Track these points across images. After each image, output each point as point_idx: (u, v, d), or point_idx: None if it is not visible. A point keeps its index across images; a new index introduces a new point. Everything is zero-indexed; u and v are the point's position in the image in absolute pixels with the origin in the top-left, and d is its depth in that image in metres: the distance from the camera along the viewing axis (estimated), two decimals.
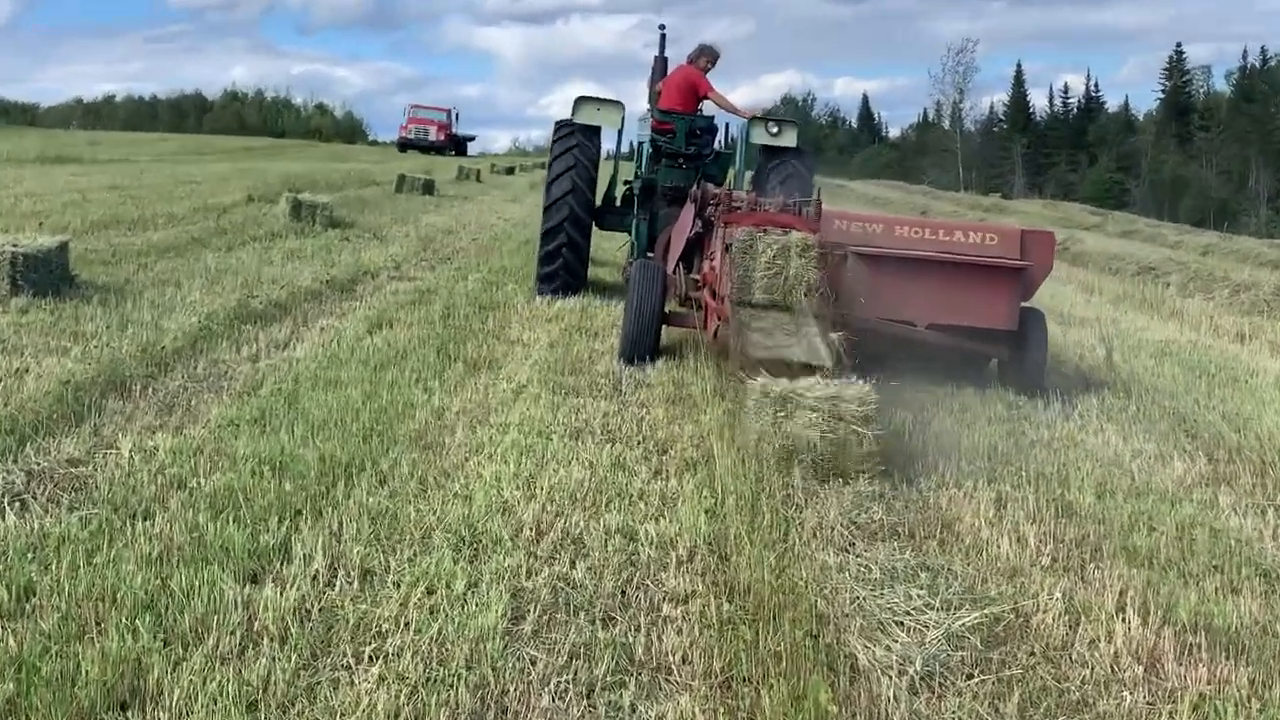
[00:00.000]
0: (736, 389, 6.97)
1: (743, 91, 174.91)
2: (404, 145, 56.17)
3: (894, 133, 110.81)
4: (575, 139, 10.88)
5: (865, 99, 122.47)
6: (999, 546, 4.78)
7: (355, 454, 5.34)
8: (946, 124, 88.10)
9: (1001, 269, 7.82)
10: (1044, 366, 8.04)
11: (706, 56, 11.07)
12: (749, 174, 11.28)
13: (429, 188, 24.55)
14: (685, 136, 10.92)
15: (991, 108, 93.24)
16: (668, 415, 6.65)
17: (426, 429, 5.94)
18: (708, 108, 11.46)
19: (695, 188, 9.00)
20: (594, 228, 11.54)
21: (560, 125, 11.08)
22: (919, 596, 4.18)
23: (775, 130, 10.98)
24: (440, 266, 12.86)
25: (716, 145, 11.35)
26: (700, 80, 11.14)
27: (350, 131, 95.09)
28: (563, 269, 10.81)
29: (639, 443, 6.00)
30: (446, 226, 17.92)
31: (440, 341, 8.22)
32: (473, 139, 64.36)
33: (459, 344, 8.21)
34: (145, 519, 4.38)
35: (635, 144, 12.16)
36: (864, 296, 7.59)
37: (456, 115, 59.20)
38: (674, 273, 9.15)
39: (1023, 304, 8.02)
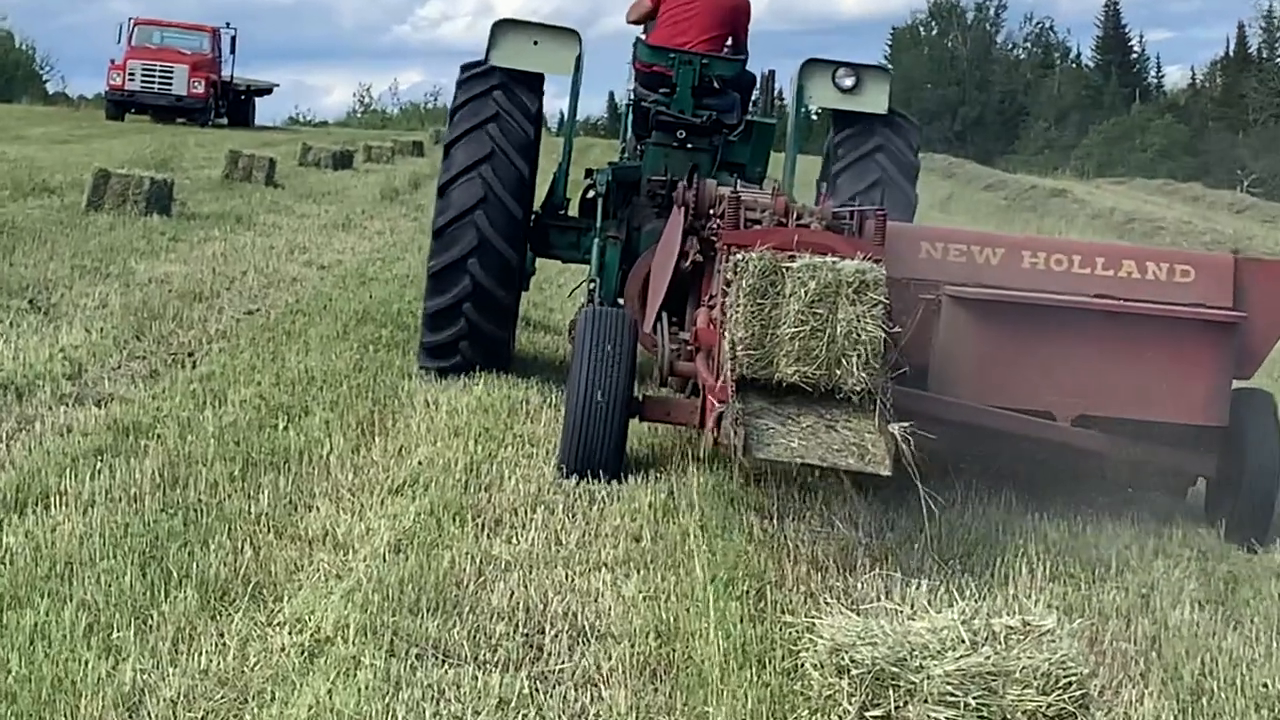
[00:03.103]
0: (792, 636, 7.00)
1: None
2: (120, 104, 57.33)
3: (1175, 77, 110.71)
4: (493, 102, 11.71)
5: (1112, 11, 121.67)
6: None
7: None
8: None
9: (1199, 324, 8.76)
10: (1273, 495, 8.86)
11: None
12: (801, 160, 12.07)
13: (160, 199, 24.60)
14: (693, 91, 11.48)
15: None
16: (637, 703, 6.72)
17: None
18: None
19: (686, 184, 9.80)
20: (532, 256, 12.43)
21: (469, 74, 11.89)
22: None
23: (849, 83, 11.73)
24: (168, 373, 12.88)
25: (751, 107, 12.06)
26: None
27: (7, 77, 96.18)
28: (465, 338, 11.84)
29: None
30: (191, 284, 17.91)
31: (150, 541, 8.27)
32: (268, 92, 65.35)
33: (193, 546, 8.27)
34: None
35: (623, 105, 13.06)
36: (969, 370, 8.58)
37: (233, 40, 60.49)
38: (653, 329, 9.96)
39: (1236, 383, 8.91)
